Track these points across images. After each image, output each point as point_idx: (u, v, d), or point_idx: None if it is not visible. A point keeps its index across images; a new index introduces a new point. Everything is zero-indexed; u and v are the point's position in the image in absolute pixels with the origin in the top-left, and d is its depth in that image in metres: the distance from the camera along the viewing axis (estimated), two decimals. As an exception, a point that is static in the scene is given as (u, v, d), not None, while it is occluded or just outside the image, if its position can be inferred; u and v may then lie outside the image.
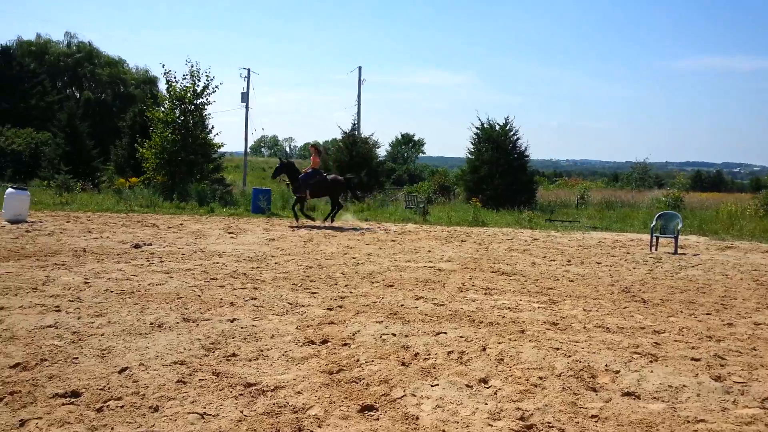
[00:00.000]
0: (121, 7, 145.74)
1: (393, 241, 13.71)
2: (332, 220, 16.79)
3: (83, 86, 64.24)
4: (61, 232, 12.64)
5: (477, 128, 31.68)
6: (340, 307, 7.05)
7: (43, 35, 63.51)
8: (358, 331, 5.98)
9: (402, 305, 7.22)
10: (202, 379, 4.52)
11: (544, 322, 6.64)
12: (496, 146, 30.34)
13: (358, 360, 5.12)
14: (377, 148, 36.52)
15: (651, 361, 5.28)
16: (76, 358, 4.86)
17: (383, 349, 5.46)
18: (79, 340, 5.35)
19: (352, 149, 33.13)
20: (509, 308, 7.29)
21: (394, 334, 5.92)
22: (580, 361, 5.24)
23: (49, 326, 5.73)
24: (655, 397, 4.50)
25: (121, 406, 3.97)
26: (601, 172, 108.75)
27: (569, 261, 11.65)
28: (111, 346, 5.19)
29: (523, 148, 31.19)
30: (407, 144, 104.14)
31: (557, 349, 5.61)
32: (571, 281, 9.44)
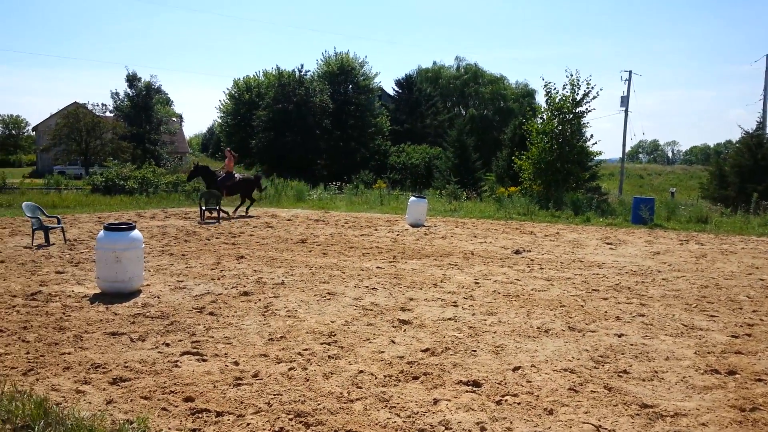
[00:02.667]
0: (503, 28, 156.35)
1: (815, 262, 11.18)
2: (246, 212, 18.49)
3: (468, 104, 71.06)
4: (452, 236, 14.13)
5: None
6: (748, 335, 6.06)
7: (438, 62, 72.60)
8: (777, 367, 5.03)
9: (838, 343, 5.80)
10: (594, 391, 4.42)
11: None
12: None
13: (780, 401, 4.29)
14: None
15: None
16: (474, 351, 5.33)
17: (816, 393, 4.46)
18: (475, 334, 5.85)
19: (757, 152, 28.40)
20: None
21: (831, 378, 4.78)
22: None
23: (449, 319, 6.43)
24: None
25: (518, 403, 4.17)
26: None
27: None
28: (503, 344, 5.52)
29: None
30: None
31: None
32: None
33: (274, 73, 51.77)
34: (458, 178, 30.31)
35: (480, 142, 51.66)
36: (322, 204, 23.10)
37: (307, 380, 4.53)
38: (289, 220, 17.03)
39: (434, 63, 71.81)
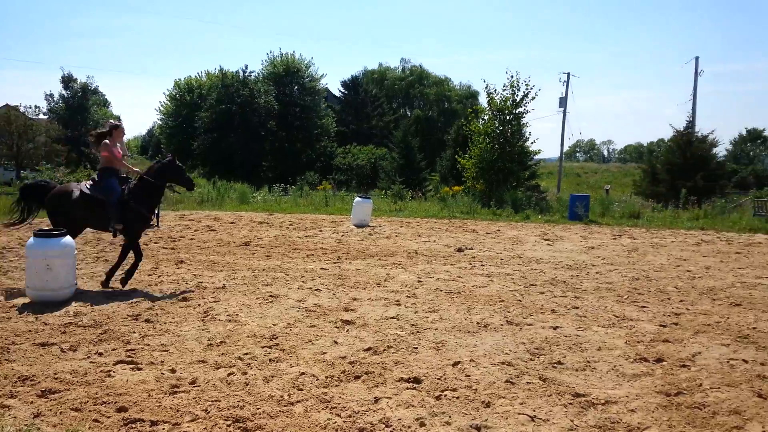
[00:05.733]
0: (448, 31, 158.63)
1: (738, 253, 11.86)
2: None
3: (413, 105, 71.66)
4: (396, 236, 14.21)
5: None
6: (675, 324, 6.37)
7: (384, 64, 73.01)
8: (699, 353, 5.32)
9: (754, 328, 6.17)
10: (530, 383, 4.56)
11: None
12: None
13: (700, 384, 4.55)
14: (715, 147, 32.15)
15: None
16: (416, 348, 5.39)
17: (732, 376, 4.74)
18: (417, 332, 5.92)
19: (686, 149, 29.88)
20: None
21: (746, 361, 5.09)
22: None
23: (392, 318, 6.47)
24: None
25: (457, 397, 4.25)
26: None
27: None
28: (444, 341, 5.61)
29: None
30: (754, 141, 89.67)
31: None
32: None
33: (217, 73, 50.81)
34: (403, 178, 30.52)
35: (425, 143, 52.10)
36: (266, 206, 22.78)
37: (247, 385, 4.48)
38: (232, 222, 16.73)
39: (380, 64, 72.34)
